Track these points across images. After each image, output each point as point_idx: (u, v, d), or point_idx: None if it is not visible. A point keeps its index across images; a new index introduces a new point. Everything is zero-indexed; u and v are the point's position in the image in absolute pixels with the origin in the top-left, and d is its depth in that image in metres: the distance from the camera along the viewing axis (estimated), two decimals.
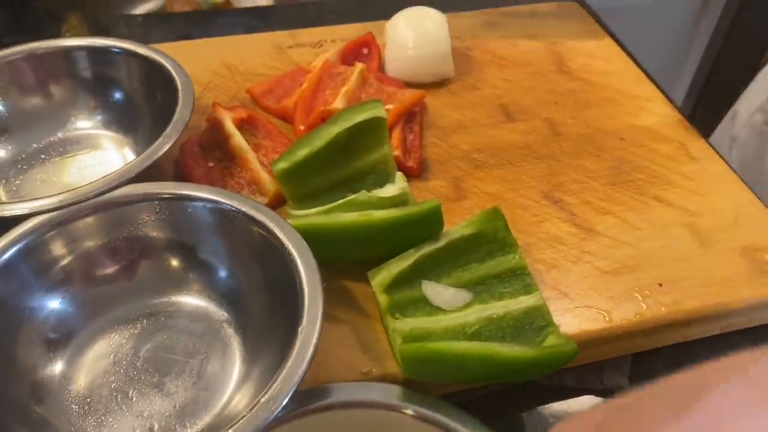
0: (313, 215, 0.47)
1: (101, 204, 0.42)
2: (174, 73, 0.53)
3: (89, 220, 0.42)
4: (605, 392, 0.45)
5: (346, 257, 0.47)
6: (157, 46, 0.67)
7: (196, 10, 1.11)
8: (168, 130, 0.48)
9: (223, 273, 0.44)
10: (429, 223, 0.45)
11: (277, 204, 0.52)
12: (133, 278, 0.43)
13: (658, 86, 0.66)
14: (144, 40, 0.73)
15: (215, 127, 0.55)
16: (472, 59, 0.67)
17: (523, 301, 0.44)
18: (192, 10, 1.07)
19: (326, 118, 0.53)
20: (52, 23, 0.76)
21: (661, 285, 0.47)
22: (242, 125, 0.56)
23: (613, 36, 0.72)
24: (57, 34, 0.74)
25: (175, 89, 0.52)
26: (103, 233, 0.43)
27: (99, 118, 0.57)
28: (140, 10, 1.15)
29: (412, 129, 0.58)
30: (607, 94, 0.64)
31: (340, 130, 0.50)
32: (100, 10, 1.08)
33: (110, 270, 0.43)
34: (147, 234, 0.43)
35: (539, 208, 0.53)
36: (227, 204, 0.43)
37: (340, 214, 0.45)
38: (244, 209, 0.42)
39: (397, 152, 0.54)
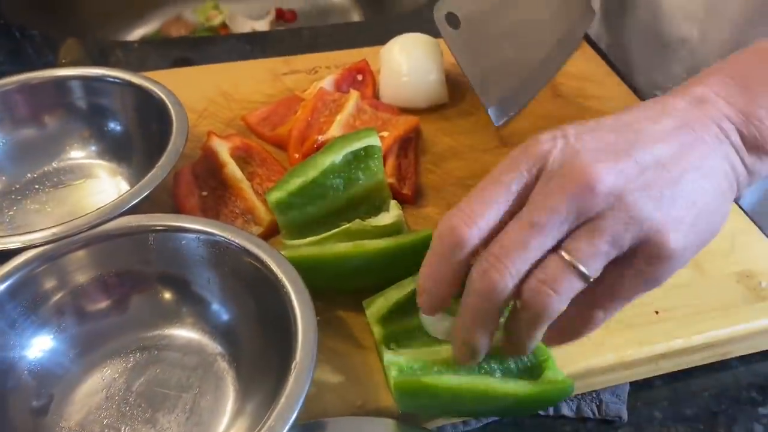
0: (307, 245, 0.46)
1: (93, 237, 0.42)
2: (168, 102, 0.53)
3: (81, 253, 0.42)
4: (605, 421, 0.45)
5: (340, 287, 0.47)
6: (153, 72, 0.68)
7: (192, 35, 1.12)
8: (162, 160, 0.48)
9: (216, 306, 0.43)
10: (424, 252, 0.44)
11: (271, 233, 0.52)
12: (125, 312, 0.43)
13: None
14: (140, 67, 0.74)
15: (210, 155, 0.55)
16: (466, 85, 0.67)
17: None
18: (188, 35, 1.08)
19: (320, 147, 0.53)
20: (49, 50, 0.77)
21: (657, 313, 0.47)
22: (237, 153, 0.56)
23: (605, 57, 0.73)
24: (54, 62, 0.75)
25: (169, 118, 0.52)
26: (95, 267, 0.42)
27: (93, 147, 0.57)
28: (137, 33, 1.15)
29: (406, 155, 0.58)
30: None
31: (334, 159, 0.50)
32: (97, 35, 1.09)
33: (102, 304, 0.43)
34: (139, 268, 0.42)
35: None
36: (220, 236, 0.43)
37: (333, 245, 0.45)
38: (237, 241, 0.42)
39: (391, 180, 0.54)
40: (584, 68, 0.70)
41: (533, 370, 0.41)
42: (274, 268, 0.41)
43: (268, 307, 0.41)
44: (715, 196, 0.35)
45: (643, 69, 0.72)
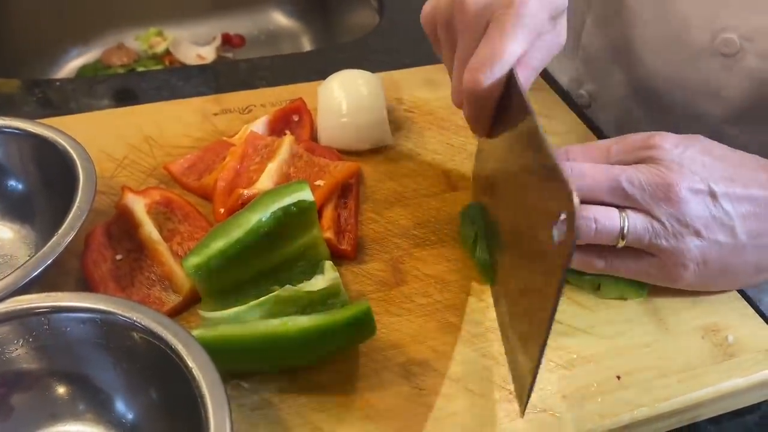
0: (227, 321, 0.41)
1: None
2: (74, 155, 0.48)
3: None
4: None
5: (265, 370, 0.42)
6: (70, 117, 0.62)
7: (134, 63, 1.07)
8: (63, 227, 0.42)
9: (118, 399, 0.38)
10: (358, 328, 0.40)
11: (192, 301, 0.46)
12: (10, 415, 0.37)
13: None
14: (59, 109, 0.68)
15: (124, 214, 0.50)
16: (411, 122, 0.63)
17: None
18: (117, 73, 1.02)
19: (247, 202, 0.48)
20: None
21: (619, 378, 0.43)
22: (156, 209, 0.51)
23: (553, 85, 0.70)
24: None
25: (75, 175, 0.46)
26: None
27: None
28: (75, 63, 1.09)
29: (346, 205, 0.53)
30: None
31: (261, 217, 0.45)
32: (31, 67, 1.02)
33: None
34: (20, 365, 0.36)
35: (485, 291, 0.48)
36: (122, 316, 0.37)
37: (256, 323, 0.39)
38: (142, 322, 0.37)
39: (328, 234, 0.49)
40: (546, 106, 0.67)
41: None
42: (182, 354, 0.35)
43: (176, 398, 0.36)
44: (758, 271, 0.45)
45: None
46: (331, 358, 0.43)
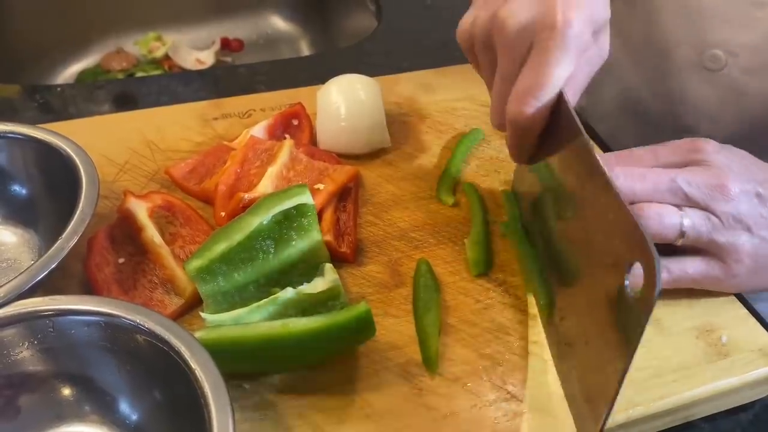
0: (228, 324, 0.42)
1: None
2: (77, 160, 0.48)
3: None
4: None
5: (266, 371, 0.42)
6: (71, 122, 0.63)
7: (133, 68, 1.07)
8: (66, 232, 0.43)
9: (122, 400, 0.38)
10: (358, 330, 0.40)
11: (194, 304, 0.47)
12: (17, 417, 0.37)
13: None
14: (60, 114, 0.69)
15: (127, 218, 0.50)
16: (409, 126, 0.64)
17: None
18: (117, 78, 1.03)
19: (247, 206, 0.48)
20: None
21: None
22: (158, 213, 0.51)
23: None
24: None
25: (78, 179, 0.47)
26: None
27: None
28: (75, 68, 1.10)
29: (345, 208, 0.54)
30: None
31: (263, 220, 0.46)
32: (31, 72, 1.03)
33: None
34: (26, 367, 0.37)
35: (482, 292, 0.49)
36: (126, 318, 0.38)
37: (257, 325, 0.40)
38: (146, 325, 0.37)
39: (328, 237, 0.50)
40: None
41: None
42: (186, 356, 0.36)
43: (179, 398, 0.36)
44: None
45: None
46: (332, 359, 0.43)
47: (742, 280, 0.46)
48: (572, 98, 0.42)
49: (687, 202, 0.44)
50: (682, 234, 0.44)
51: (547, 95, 0.41)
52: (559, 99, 0.41)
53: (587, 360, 0.40)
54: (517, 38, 0.42)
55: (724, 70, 0.56)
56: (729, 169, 0.45)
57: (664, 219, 0.43)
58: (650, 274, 0.32)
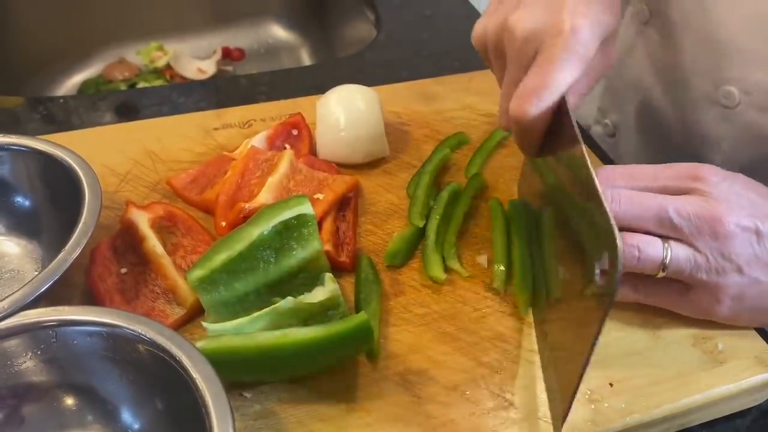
0: (230, 333, 0.42)
1: None
2: (80, 171, 0.49)
3: None
4: None
5: (267, 380, 0.43)
6: (73, 133, 0.64)
7: (135, 77, 1.08)
8: (69, 244, 0.44)
9: (124, 410, 0.39)
10: (358, 339, 0.41)
11: (196, 314, 0.47)
12: (20, 426, 0.38)
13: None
14: (63, 125, 0.69)
15: (129, 228, 0.51)
16: (408, 135, 0.65)
17: None
18: (119, 89, 1.04)
19: (248, 216, 0.49)
20: None
21: (612, 385, 0.44)
22: (160, 223, 0.52)
23: None
24: None
25: (81, 191, 0.48)
26: None
27: None
28: (77, 78, 1.11)
29: (345, 218, 0.54)
30: None
31: (263, 230, 0.47)
32: (33, 83, 1.04)
33: None
34: (29, 378, 0.38)
35: (480, 300, 0.50)
36: (128, 329, 0.38)
37: (258, 335, 0.40)
38: (147, 335, 0.38)
39: (328, 247, 0.50)
40: None
41: None
42: (187, 365, 0.36)
43: (181, 408, 0.37)
44: None
45: None
46: (332, 368, 0.44)
47: (723, 316, 0.45)
48: (572, 105, 0.43)
49: (673, 233, 0.42)
50: (664, 267, 0.42)
51: (550, 97, 0.41)
52: (561, 103, 0.42)
53: (563, 358, 0.41)
54: (525, 44, 0.43)
55: (738, 108, 0.53)
56: (728, 202, 0.42)
57: (645, 250, 0.42)
58: (613, 265, 0.34)
